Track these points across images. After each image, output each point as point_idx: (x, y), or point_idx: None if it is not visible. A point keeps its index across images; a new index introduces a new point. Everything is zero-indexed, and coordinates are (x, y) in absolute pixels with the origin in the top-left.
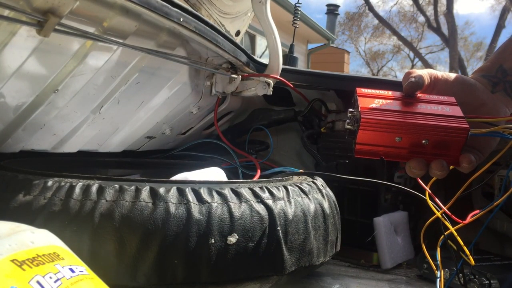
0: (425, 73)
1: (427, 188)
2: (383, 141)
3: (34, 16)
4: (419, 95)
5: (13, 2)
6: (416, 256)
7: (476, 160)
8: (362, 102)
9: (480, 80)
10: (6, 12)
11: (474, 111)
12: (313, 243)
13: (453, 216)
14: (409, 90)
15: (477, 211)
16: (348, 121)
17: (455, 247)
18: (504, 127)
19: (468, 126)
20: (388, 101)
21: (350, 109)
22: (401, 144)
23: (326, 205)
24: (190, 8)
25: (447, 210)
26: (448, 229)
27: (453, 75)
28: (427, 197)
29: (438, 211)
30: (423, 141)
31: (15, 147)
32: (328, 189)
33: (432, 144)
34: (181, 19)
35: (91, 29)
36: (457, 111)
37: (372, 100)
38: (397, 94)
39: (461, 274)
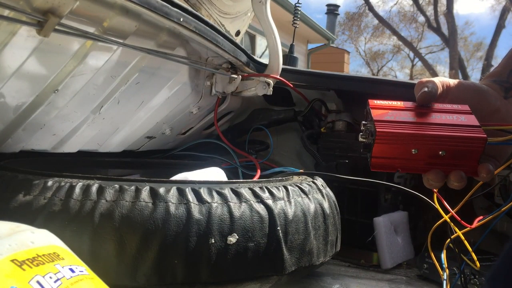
0: (437, 81)
1: (436, 192)
2: (399, 153)
3: (34, 16)
4: (432, 104)
5: (13, 2)
6: (416, 256)
7: (494, 169)
8: (376, 115)
9: (492, 86)
10: (6, 12)
11: (488, 118)
12: (313, 243)
13: (462, 221)
14: (422, 101)
15: (481, 216)
16: (361, 134)
17: (456, 250)
18: None
19: (485, 135)
20: (402, 112)
21: (364, 122)
22: (418, 156)
23: (326, 205)
24: (190, 8)
25: (455, 214)
26: (454, 231)
27: (465, 82)
28: (435, 201)
29: (445, 214)
30: (440, 152)
31: (15, 147)
32: (328, 189)
33: (450, 155)
34: (181, 19)
35: (91, 29)
36: (472, 120)
37: (386, 112)
38: (410, 104)
39: (461, 274)
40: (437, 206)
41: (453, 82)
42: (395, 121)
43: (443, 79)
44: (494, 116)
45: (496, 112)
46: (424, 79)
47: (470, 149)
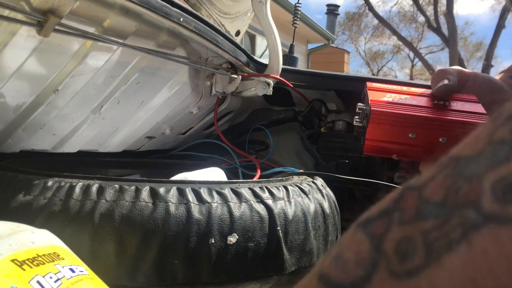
0: (456, 73)
1: None
2: (396, 137)
3: (34, 16)
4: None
5: (13, 2)
6: None
7: None
8: (373, 95)
9: (508, 82)
10: (6, 12)
11: None
12: (313, 243)
13: None
14: (441, 93)
15: None
16: (357, 117)
17: None
18: None
19: None
20: (401, 95)
21: (360, 104)
22: (416, 141)
23: (326, 205)
24: (190, 8)
25: None
26: None
27: (481, 75)
28: None
29: None
30: (441, 139)
31: (15, 147)
32: (328, 189)
33: (451, 142)
34: (181, 19)
35: (91, 29)
36: (478, 108)
37: (384, 94)
38: (412, 89)
39: None
40: None
41: (470, 73)
42: (392, 102)
43: (461, 69)
44: None
45: None
46: (445, 69)
47: None
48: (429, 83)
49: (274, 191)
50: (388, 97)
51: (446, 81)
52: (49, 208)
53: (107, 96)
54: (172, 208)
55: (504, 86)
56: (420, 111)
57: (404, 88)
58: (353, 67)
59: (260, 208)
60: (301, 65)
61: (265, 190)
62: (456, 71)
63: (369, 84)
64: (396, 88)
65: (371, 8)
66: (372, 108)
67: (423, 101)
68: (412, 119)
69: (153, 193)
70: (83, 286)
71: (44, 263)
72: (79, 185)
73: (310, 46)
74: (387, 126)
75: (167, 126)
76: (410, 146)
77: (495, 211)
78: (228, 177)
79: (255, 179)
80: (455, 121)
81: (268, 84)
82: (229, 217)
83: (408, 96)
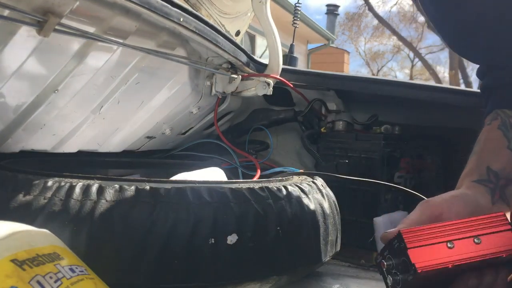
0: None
1: None
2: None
3: (34, 16)
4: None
5: (13, 2)
6: None
7: None
8: (413, 255)
9: (478, 189)
10: (6, 12)
11: None
12: (313, 243)
13: None
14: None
15: None
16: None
17: None
18: None
19: None
20: (437, 238)
21: (383, 259)
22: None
23: (326, 205)
24: (190, 8)
25: None
26: None
27: (454, 201)
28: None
29: None
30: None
31: (15, 147)
32: (328, 189)
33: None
34: (181, 19)
35: (91, 29)
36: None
37: (421, 240)
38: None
39: None
40: None
41: (441, 208)
42: (432, 252)
43: (429, 211)
44: None
45: None
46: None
47: None
48: (429, 83)
49: (274, 191)
50: (427, 244)
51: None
52: (49, 208)
53: (107, 96)
54: (172, 208)
55: (477, 198)
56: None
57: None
58: (353, 67)
59: (260, 208)
60: (301, 65)
61: (265, 190)
62: (415, 217)
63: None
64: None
65: (371, 8)
66: (418, 270)
67: (463, 249)
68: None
69: (153, 193)
70: (83, 286)
71: (44, 263)
72: (79, 185)
73: (310, 46)
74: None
75: (167, 126)
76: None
77: None
78: (228, 177)
79: (255, 179)
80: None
81: (268, 84)
82: (229, 217)
83: (448, 244)
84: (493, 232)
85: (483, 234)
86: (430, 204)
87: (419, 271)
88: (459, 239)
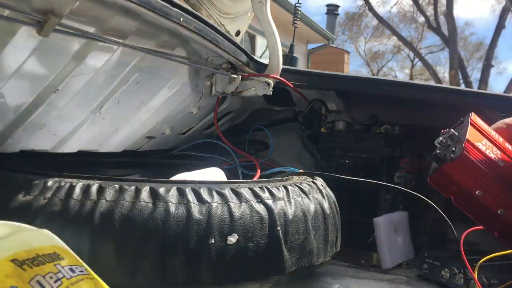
0: None
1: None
2: (465, 184)
3: (34, 16)
4: None
5: (13, 2)
6: (416, 256)
7: None
8: (471, 135)
9: None
10: (6, 12)
11: None
12: (313, 243)
13: None
14: None
15: None
16: (440, 141)
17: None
18: None
19: None
20: (494, 148)
21: (452, 130)
22: (478, 200)
23: (326, 205)
24: (190, 8)
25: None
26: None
27: None
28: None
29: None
30: (499, 211)
31: (15, 147)
32: (328, 189)
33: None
34: (181, 19)
35: (91, 29)
36: None
37: (481, 139)
38: (506, 145)
39: (461, 274)
40: (436, 206)
41: None
42: (483, 154)
43: None
44: None
45: None
46: None
47: None
48: (429, 83)
49: (274, 191)
50: (483, 145)
51: None
52: (49, 208)
53: (107, 96)
54: (172, 208)
55: None
56: (502, 178)
57: (501, 140)
58: (353, 67)
59: (260, 208)
60: (301, 65)
61: (265, 190)
62: None
63: (474, 117)
64: (496, 137)
65: (371, 8)
66: (464, 152)
67: (508, 168)
68: (489, 181)
69: (153, 193)
70: (84, 286)
71: (44, 263)
72: (79, 185)
73: (310, 46)
74: (464, 173)
75: (167, 126)
76: (471, 200)
77: None
78: (228, 177)
79: (255, 179)
80: None
81: (268, 84)
82: (229, 217)
83: (499, 153)
84: None
85: None
86: None
87: (465, 150)
88: None
